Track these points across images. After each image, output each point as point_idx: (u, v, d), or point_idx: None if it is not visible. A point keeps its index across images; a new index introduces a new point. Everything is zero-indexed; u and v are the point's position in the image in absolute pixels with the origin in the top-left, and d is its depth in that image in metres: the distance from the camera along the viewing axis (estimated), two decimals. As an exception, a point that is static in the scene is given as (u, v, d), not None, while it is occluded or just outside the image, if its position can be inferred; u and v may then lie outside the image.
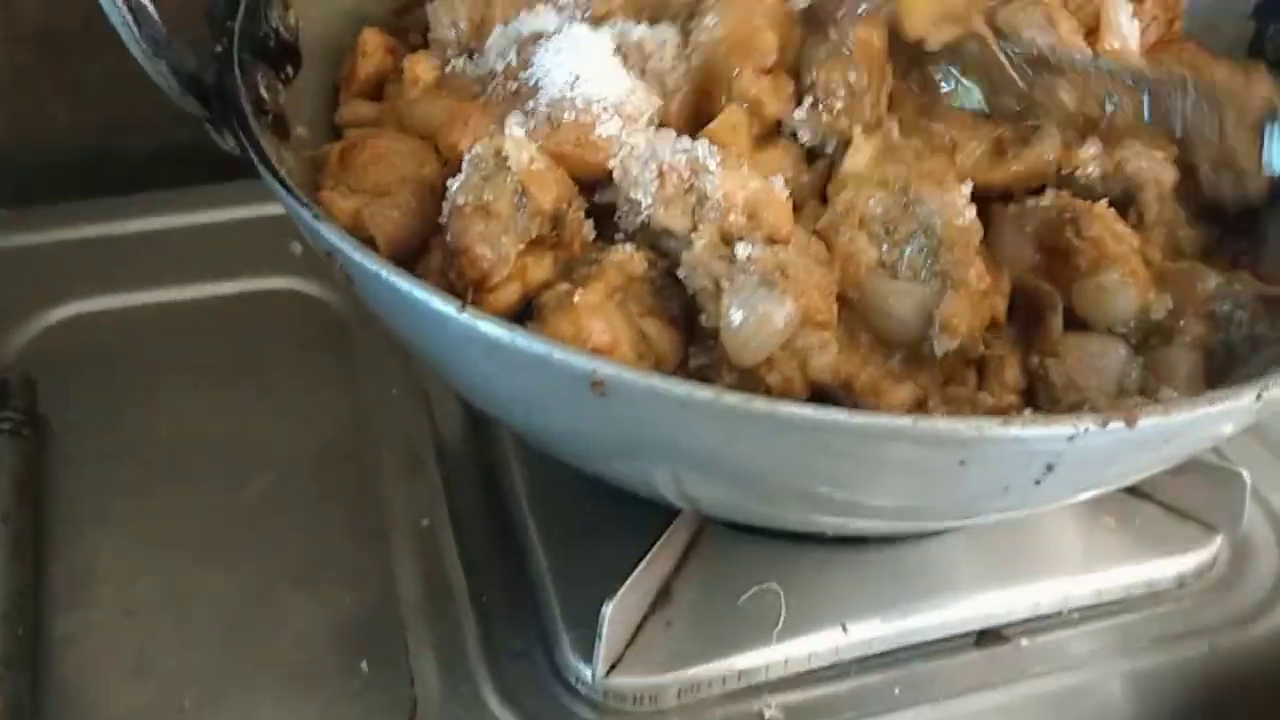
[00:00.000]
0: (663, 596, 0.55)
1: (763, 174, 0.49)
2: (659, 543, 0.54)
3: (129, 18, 0.48)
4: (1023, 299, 0.50)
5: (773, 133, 0.54)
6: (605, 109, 0.51)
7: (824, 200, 0.51)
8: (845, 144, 0.51)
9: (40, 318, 0.70)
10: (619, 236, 0.50)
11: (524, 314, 0.47)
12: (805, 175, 0.52)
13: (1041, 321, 0.50)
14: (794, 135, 0.53)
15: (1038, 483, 0.41)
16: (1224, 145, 0.53)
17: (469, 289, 0.46)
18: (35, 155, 0.81)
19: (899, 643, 0.56)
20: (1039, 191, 0.53)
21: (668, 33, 0.55)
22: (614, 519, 0.56)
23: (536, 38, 0.55)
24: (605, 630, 0.51)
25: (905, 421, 0.38)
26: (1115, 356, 0.50)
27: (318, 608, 0.57)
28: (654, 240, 0.48)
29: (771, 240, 0.47)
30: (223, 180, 0.75)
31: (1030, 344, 0.50)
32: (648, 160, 0.48)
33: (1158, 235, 0.53)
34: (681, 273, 0.47)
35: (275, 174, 0.47)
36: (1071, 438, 0.38)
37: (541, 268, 0.47)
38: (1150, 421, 0.38)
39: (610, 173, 0.50)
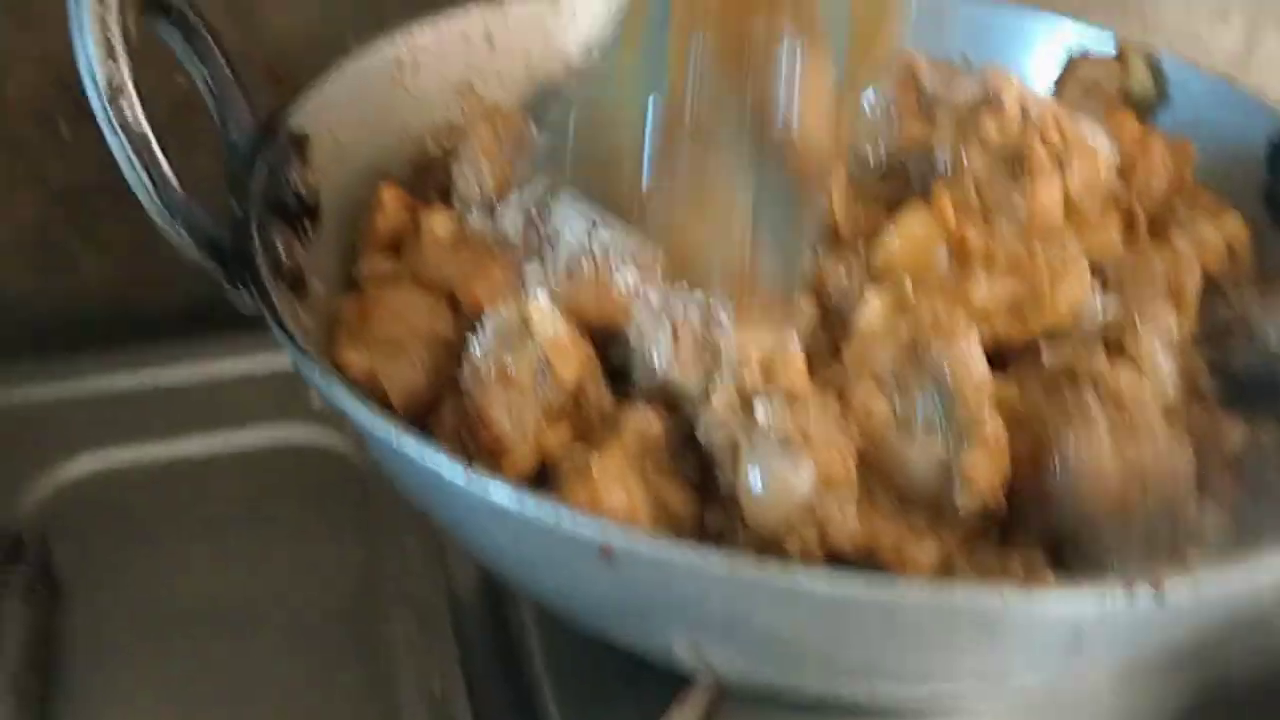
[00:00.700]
0: (681, 766, 0.53)
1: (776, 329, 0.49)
2: (674, 712, 0.52)
3: (147, 181, 0.48)
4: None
5: None
6: (621, 257, 0.51)
7: (838, 356, 0.50)
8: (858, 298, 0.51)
9: (55, 473, 0.69)
10: (635, 391, 0.50)
11: (538, 475, 0.47)
12: (820, 331, 0.51)
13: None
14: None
15: (1068, 651, 0.39)
16: None
17: (482, 452, 0.45)
18: (55, 308, 0.81)
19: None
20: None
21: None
22: (631, 685, 0.55)
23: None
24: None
25: (924, 593, 0.37)
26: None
27: (329, 772, 0.55)
28: (669, 399, 0.48)
29: (790, 397, 0.47)
30: (240, 332, 0.77)
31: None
32: (661, 316, 0.48)
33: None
34: (699, 433, 0.47)
35: (289, 335, 0.47)
36: (1100, 609, 0.37)
37: (558, 433, 0.47)
38: (1179, 592, 0.36)
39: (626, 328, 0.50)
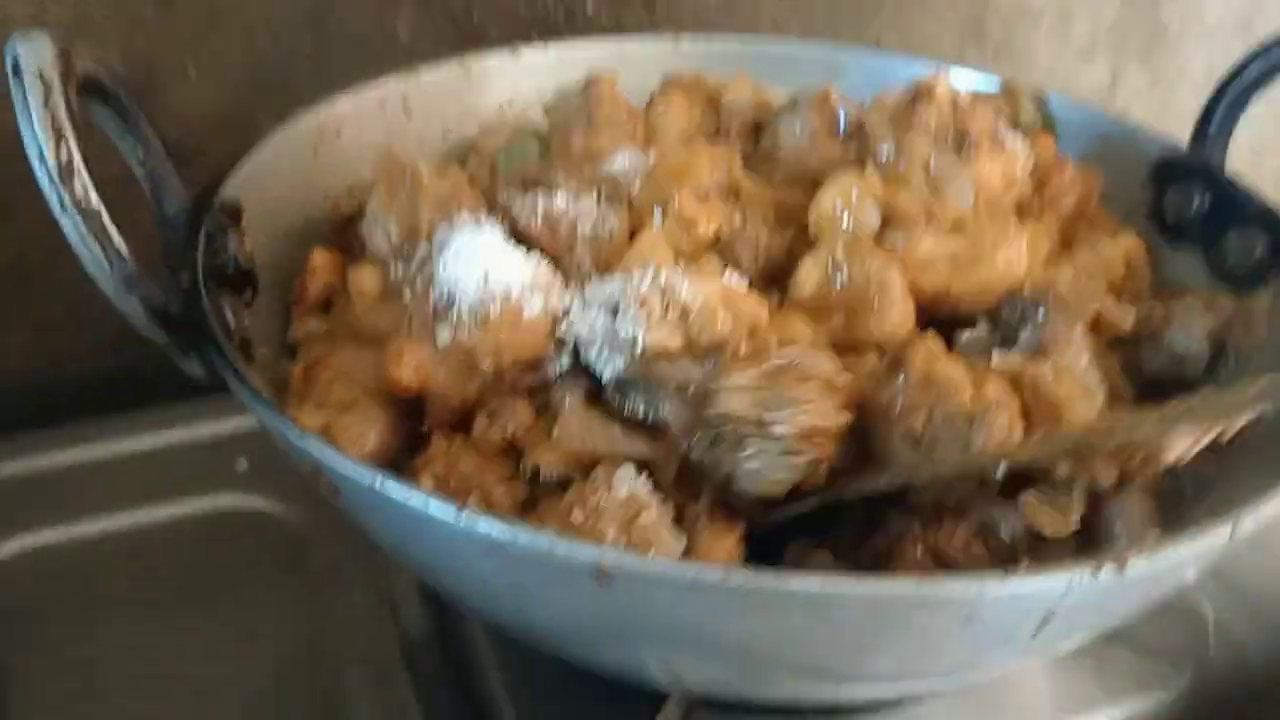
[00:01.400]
0: (653, 786, 0.55)
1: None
2: (648, 733, 0.54)
3: (102, 258, 0.48)
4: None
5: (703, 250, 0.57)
6: (524, 290, 0.53)
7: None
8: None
9: (-14, 555, 0.68)
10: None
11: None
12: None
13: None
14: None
15: (1034, 635, 0.42)
16: None
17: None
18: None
19: (892, 814, 0.56)
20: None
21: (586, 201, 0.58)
22: (602, 709, 0.56)
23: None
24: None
25: (910, 586, 0.39)
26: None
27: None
28: (643, 384, 0.50)
29: (752, 333, 0.50)
30: (158, 403, 0.76)
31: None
32: (598, 313, 0.51)
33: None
34: (701, 441, 0.48)
35: (255, 394, 0.48)
36: (1065, 591, 0.39)
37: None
38: (1140, 565, 0.40)
39: (548, 350, 0.52)
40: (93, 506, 0.71)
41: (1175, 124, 0.71)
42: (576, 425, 0.50)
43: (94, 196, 0.48)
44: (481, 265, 0.54)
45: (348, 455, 0.50)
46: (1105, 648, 0.61)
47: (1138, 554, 0.40)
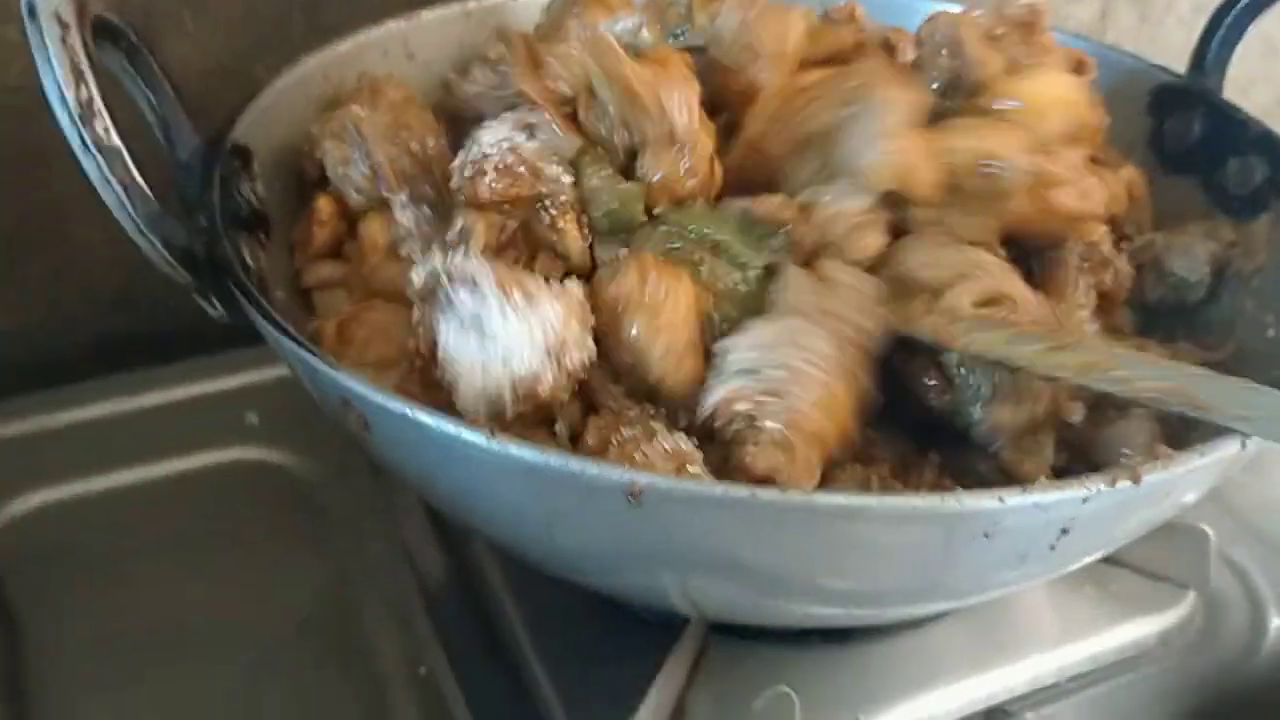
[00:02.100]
0: (677, 715, 0.56)
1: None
2: (669, 659, 0.55)
3: (124, 197, 0.49)
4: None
5: None
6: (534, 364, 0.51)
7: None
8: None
9: (2, 511, 0.68)
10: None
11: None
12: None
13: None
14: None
15: (1053, 548, 0.43)
16: None
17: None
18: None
19: (911, 731, 0.57)
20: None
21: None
22: (618, 639, 0.57)
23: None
24: (626, 755, 0.51)
25: (934, 501, 0.40)
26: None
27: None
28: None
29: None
30: (161, 363, 0.77)
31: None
32: None
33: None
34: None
35: (284, 329, 0.48)
36: (1085, 499, 0.41)
37: None
38: (1154, 477, 0.41)
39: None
40: (106, 462, 0.71)
41: (1164, 60, 0.72)
42: None
43: (114, 135, 0.49)
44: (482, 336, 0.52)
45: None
46: (1108, 571, 0.62)
47: (1152, 467, 0.41)
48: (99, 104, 0.48)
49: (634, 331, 0.50)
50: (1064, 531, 0.42)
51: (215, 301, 0.53)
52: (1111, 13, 1.03)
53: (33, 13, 0.48)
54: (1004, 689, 0.59)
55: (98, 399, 0.75)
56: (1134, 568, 0.62)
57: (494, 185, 0.54)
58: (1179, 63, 0.71)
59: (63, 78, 0.48)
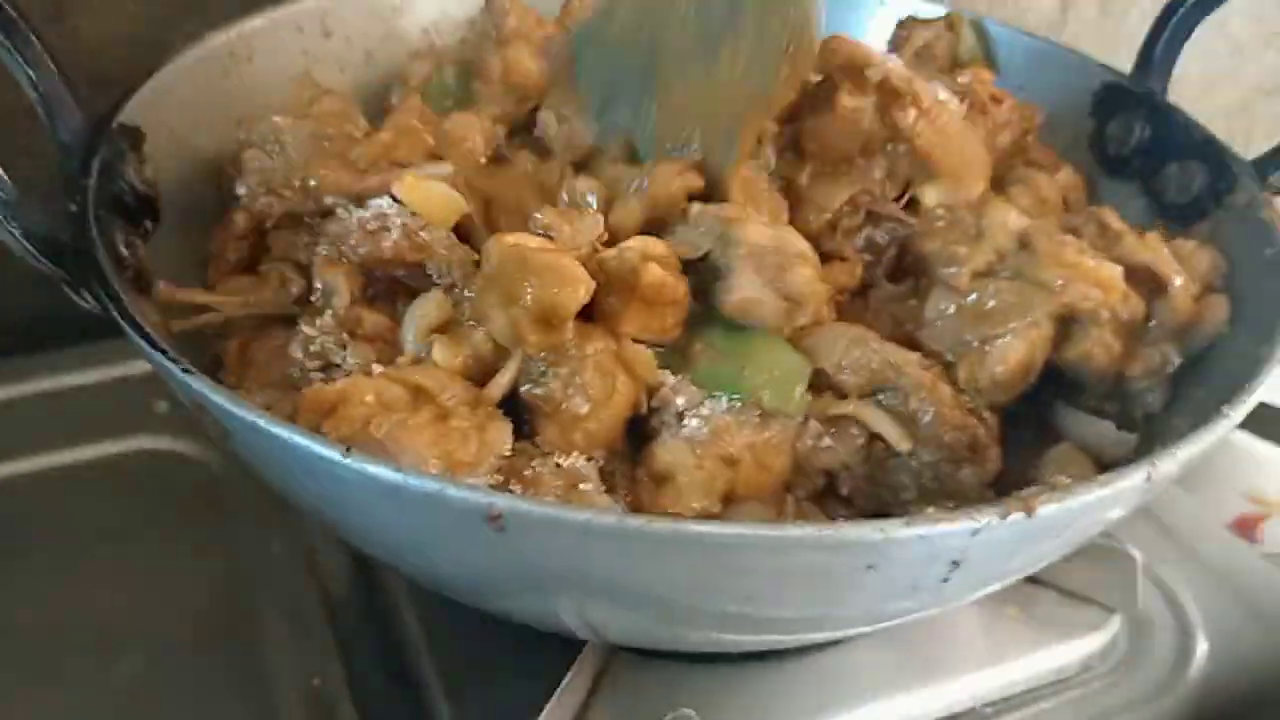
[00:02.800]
0: (575, 733, 0.54)
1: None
2: (567, 677, 0.52)
3: (-23, 189, 0.46)
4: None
5: None
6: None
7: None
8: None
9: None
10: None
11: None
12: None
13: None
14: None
15: (945, 580, 0.41)
16: None
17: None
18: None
19: (817, 755, 0.55)
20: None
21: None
22: (517, 656, 0.55)
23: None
24: (521, 773, 0.49)
25: (810, 530, 0.38)
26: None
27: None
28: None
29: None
30: (79, 343, 0.74)
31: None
32: None
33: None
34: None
35: (139, 329, 0.45)
36: (975, 532, 0.38)
37: None
38: (1049, 509, 0.38)
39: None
40: (9, 447, 0.69)
41: (1127, 53, 0.69)
42: None
43: (-31, 125, 0.46)
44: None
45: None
46: (1033, 592, 0.60)
47: (1047, 498, 0.38)
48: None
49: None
50: (955, 564, 0.40)
51: (85, 294, 0.50)
52: (1073, 5, 1.00)
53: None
54: (921, 712, 0.56)
55: (4, 381, 0.72)
56: (1060, 589, 0.60)
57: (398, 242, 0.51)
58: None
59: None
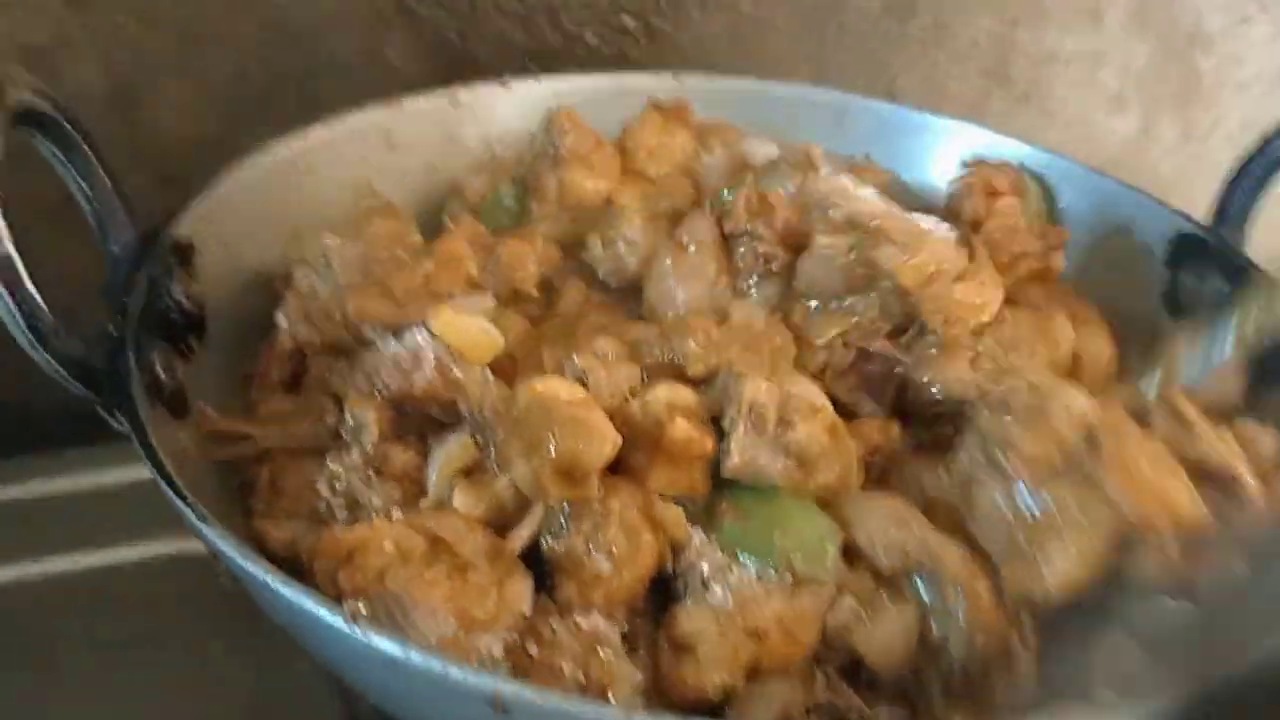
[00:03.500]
0: None
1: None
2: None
3: (15, 310, 0.46)
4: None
5: None
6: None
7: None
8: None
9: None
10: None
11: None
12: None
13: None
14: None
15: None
16: None
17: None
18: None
19: None
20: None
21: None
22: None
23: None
24: None
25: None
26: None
27: None
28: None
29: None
30: (115, 441, 0.73)
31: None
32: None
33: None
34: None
35: (161, 468, 0.45)
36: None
37: None
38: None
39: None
40: (41, 546, 0.68)
41: (1209, 179, 0.67)
42: None
43: (7, 242, 0.46)
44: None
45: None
46: None
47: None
48: (-4, 209, 0.45)
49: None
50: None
51: (119, 418, 0.50)
52: (1153, 127, 0.97)
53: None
54: None
55: (45, 476, 0.72)
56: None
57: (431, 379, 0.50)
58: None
59: (-43, 181, 0.45)
